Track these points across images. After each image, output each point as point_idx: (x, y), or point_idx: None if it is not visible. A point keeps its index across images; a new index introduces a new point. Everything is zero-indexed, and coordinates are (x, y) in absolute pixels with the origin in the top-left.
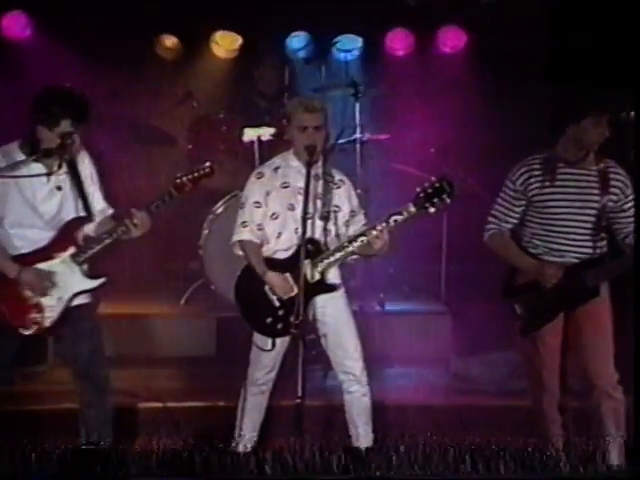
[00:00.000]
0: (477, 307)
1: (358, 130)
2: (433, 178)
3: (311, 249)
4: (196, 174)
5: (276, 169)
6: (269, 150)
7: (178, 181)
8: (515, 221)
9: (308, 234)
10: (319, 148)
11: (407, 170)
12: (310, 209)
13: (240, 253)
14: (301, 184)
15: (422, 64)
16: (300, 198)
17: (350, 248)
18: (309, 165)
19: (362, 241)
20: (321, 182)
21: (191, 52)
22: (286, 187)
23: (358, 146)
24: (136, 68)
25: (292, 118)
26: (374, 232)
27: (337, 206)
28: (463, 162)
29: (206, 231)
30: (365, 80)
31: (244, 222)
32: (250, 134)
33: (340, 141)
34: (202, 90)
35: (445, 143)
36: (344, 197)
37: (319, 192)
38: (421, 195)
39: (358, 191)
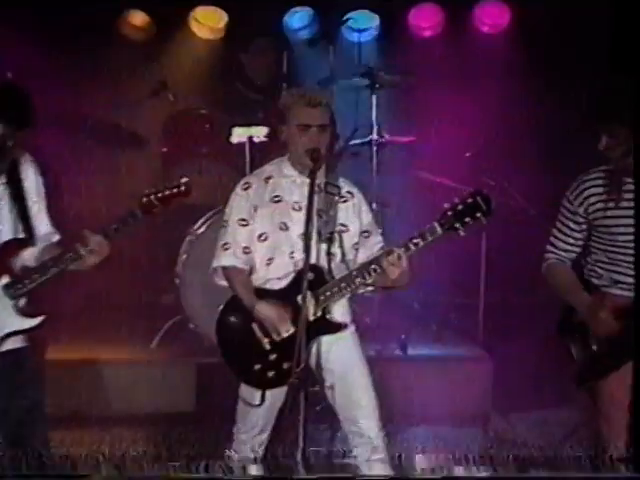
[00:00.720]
0: (524, 351)
1: (374, 130)
2: (465, 192)
3: (312, 278)
4: (167, 192)
5: (267, 179)
6: (264, 154)
7: (145, 200)
8: (577, 249)
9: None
10: (323, 152)
11: (435, 180)
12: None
13: (223, 283)
14: (296, 198)
15: (454, 47)
16: (295, 215)
17: (360, 278)
18: (313, 173)
19: (374, 270)
20: (323, 195)
21: (165, 32)
22: (278, 201)
23: (374, 149)
24: (98, 53)
25: (290, 114)
26: (390, 258)
27: (343, 225)
28: (506, 170)
29: (184, 256)
30: (383, 67)
31: (226, 244)
32: (240, 134)
33: (352, 143)
34: (179, 79)
35: (483, 146)
36: (352, 213)
37: (321, 207)
38: (449, 213)
39: (373, 206)
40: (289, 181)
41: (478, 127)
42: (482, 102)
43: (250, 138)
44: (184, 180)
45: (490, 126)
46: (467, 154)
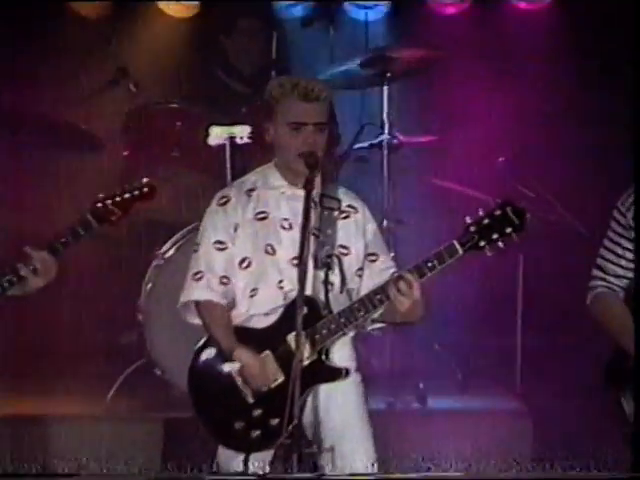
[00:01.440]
0: (572, 403)
1: (385, 129)
2: (493, 202)
3: (306, 313)
4: (127, 195)
5: (249, 191)
6: (249, 159)
7: (99, 205)
8: (630, 274)
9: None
10: (321, 156)
11: (459, 190)
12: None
13: (196, 321)
14: (286, 214)
15: (484, 26)
16: (285, 235)
17: (364, 312)
18: (308, 183)
19: (380, 300)
20: (319, 210)
21: (127, 8)
22: (263, 218)
23: (385, 153)
24: (43, 34)
25: (279, 109)
26: (399, 286)
27: (344, 246)
28: (549, 179)
29: (149, 285)
30: (397, 51)
31: (198, 273)
32: (219, 134)
33: (357, 146)
34: (144, 66)
35: (520, 148)
36: (355, 232)
37: (316, 225)
38: (472, 229)
39: (383, 223)
40: (277, 193)
41: (513, 125)
42: (518, 94)
43: (232, 139)
44: (146, 181)
45: (528, 124)
46: (500, 159)
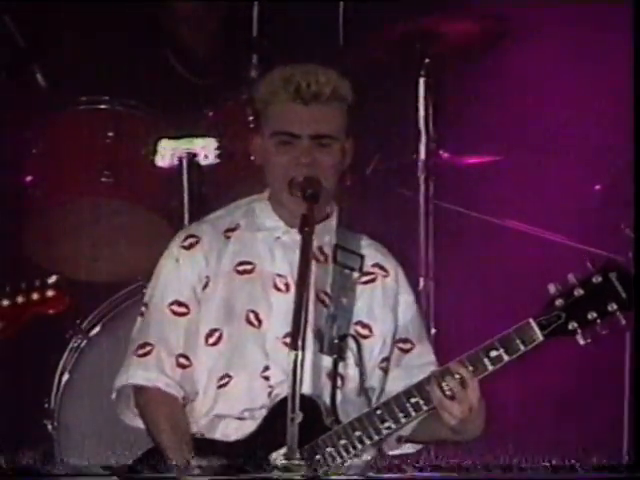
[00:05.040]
0: None
1: (422, 142)
2: (589, 261)
3: (301, 420)
4: (20, 300)
5: (228, 232)
6: (215, 187)
7: None
8: None
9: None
10: (327, 185)
11: (533, 233)
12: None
13: (135, 423)
14: (282, 269)
15: None
16: (277, 299)
17: (391, 423)
18: (306, 223)
19: (417, 406)
20: (331, 267)
21: None
22: (247, 272)
23: (421, 178)
24: None
25: (265, 116)
26: (446, 385)
27: (365, 325)
28: None
29: (64, 377)
30: (440, 24)
31: (145, 346)
32: (171, 150)
33: (382, 166)
34: (58, 47)
35: (622, 172)
36: (382, 305)
37: (326, 289)
38: (558, 302)
39: (420, 284)
40: (270, 238)
41: (615, 137)
42: (621, 91)
43: (191, 157)
44: (52, 280)
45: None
46: (596, 186)
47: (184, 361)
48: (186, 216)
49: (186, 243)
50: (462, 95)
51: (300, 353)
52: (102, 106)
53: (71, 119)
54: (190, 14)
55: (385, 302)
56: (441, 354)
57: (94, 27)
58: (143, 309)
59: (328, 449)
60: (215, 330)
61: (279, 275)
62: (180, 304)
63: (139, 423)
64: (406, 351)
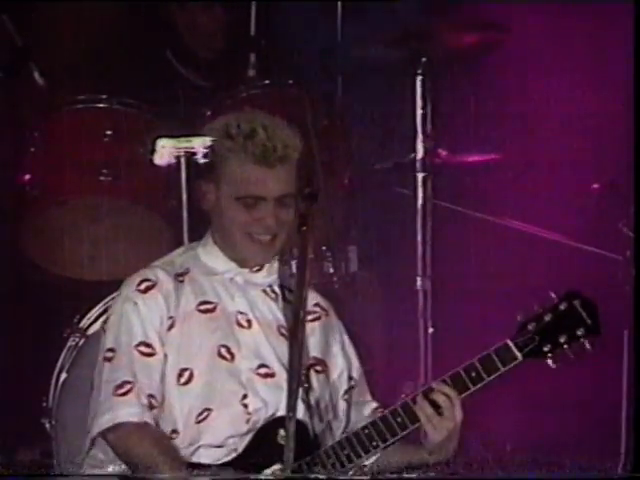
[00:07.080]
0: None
1: (419, 141)
2: (553, 296)
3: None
4: None
5: (180, 276)
6: None
7: None
8: None
9: (266, 413)
10: (284, 238)
11: (531, 232)
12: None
13: (115, 468)
14: (242, 307)
15: None
16: (243, 335)
17: (381, 443)
18: (304, 225)
19: (402, 427)
20: (282, 305)
21: None
22: (209, 310)
23: (419, 178)
24: None
25: (224, 172)
26: (436, 401)
27: (319, 360)
28: None
29: (62, 377)
30: (438, 28)
31: (124, 385)
32: (170, 149)
33: (378, 165)
34: (55, 48)
35: (622, 170)
36: (329, 341)
37: (283, 324)
38: (530, 327)
39: (417, 283)
40: (224, 280)
41: (613, 135)
42: (621, 92)
43: (189, 155)
44: None
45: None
46: (594, 185)
47: (154, 402)
48: (184, 215)
49: (142, 287)
50: (460, 94)
51: (299, 382)
52: (100, 105)
53: (69, 118)
54: (190, 15)
55: (332, 339)
56: (439, 353)
57: (93, 26)
58: (109, 354)
59: (316, 468)
60: (185, 370)
61: (240, 312)
62: (147, 345)
63: (113, 468)
64: (354, 388)
